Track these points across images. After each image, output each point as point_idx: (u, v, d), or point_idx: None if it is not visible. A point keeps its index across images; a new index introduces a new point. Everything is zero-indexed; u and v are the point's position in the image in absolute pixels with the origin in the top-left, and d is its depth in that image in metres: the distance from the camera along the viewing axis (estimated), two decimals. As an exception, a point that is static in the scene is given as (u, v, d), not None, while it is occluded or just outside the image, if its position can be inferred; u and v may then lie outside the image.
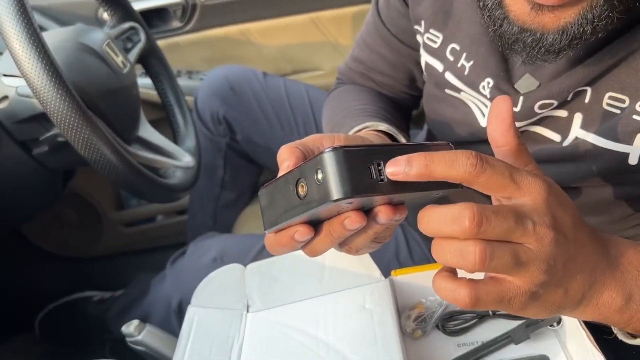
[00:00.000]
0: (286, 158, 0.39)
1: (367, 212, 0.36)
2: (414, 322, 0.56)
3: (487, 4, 0.46)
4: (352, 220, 0.35)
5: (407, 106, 0.77)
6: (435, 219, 0.32)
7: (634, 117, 0.49)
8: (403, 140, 0.58)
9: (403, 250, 0.79)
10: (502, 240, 0.32)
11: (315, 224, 0.37)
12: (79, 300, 1.20)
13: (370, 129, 0.60)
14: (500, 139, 0.36)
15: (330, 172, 0.32)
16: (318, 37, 1.24)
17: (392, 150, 0.34)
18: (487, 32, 0.56)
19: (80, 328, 1.16)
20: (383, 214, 0.35)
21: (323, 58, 1.24)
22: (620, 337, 0.43)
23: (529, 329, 0.53)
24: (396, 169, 0.32)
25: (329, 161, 0.32)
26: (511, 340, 0.53)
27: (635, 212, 0.58)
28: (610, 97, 0.50)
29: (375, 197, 0.33)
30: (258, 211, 0.39)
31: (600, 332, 0.47)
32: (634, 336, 0.42)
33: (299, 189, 0.34)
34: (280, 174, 0.38)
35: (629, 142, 0.50)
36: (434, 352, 0.54)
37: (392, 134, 0.58)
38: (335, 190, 0.32)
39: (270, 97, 1.01)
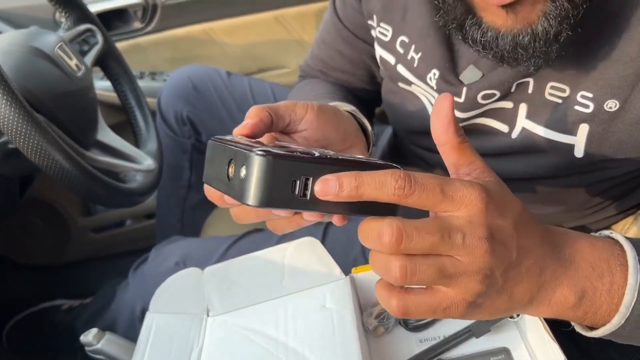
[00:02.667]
0: (251, 116, 0.39)
1: None
2: (376, 320, 0.55)
3: (476, 37, 0.45)
4: (280, 210, 0.35)
5: (368, 102, 0.76)
6: (364, 233, 0.33)
7: (576, 107, 0.49)
8: (366, 122, 0.57)
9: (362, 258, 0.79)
10: (428, 254, 0.32)
11: None
12: (47, 309, 1.18)
13: None
14: (442, 137, 0.36)
15: (252, 176, 0.31)
16: (282, 35, 1.23)
17: (327, 166, 0.33)
18: (434, 24, 0.56)
19: (49, 337, 1.14)
20: (309, 215, 0.35)
21: (288, 56, 1.23)
22: (578, 329, 0.42)
23: (490, 322, 0.52)
24: (326, 188, 0.31)
25: (256, 164, 0.31)
26: (472, 334, 0.53)
27: (590, 199, 0.58)
28: (552, 87, 0.51)
29: (292, 210, 0.33)
30: (227, 214, 0.39)
31: (557, 325, 0.47)
32: (591, 328, 0.41)
33: (229, 169, 0.34)
34: (235, 131, 0.38)
35: (573, 132, 0.50)
36: (397, 348, 0.54)
37: (356, 115, 0.56)
38: (251, 195, 0.31)
39: (234, 96, 1.00)
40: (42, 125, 0.58)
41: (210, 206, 1.07)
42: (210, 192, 0.39)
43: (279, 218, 0.38)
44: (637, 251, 0.38)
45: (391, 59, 0.63)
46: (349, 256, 0.75)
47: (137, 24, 1.17)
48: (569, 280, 0.37)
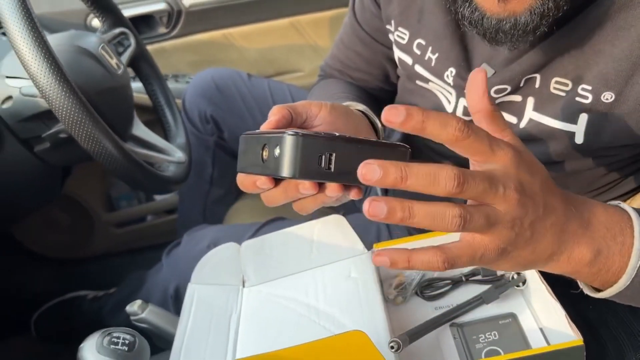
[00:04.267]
0: (273, 114, 0.45)
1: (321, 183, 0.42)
2: (395, 290, 0.62)
3: (465, 14, 0.52)
4: (305, 187, 0.41)
5: (383, 100, 0.83)
6: (419, 179, 0.35)
7: (577, 98, 0.55)
8: (376, 120, 0.64)
9: (384, 234, 0.85)
10: (477, 204, 0.37)
11: (279, 179, 0.43)
12: (73, 299, 1.23)
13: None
14: (477, 105, 0.41)
15: (285, 152, 0.38)
16: (298, 40, 1.30)
17: (345, 144, 0.39)
18: (448, 27, 0.62)
19: (75, 326, 1.19)
20: (331, 190, 0.41)
21: (303, 60, 1.30)
22: (586, 291, 0.48)
23: (498, 290, 0.59)
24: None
25: (287, 143, 0.38)
26: (483, 301, 0.59)
27: (592, 183, 0.64)
28: (556, 82, 0.57)
29: (318, 181, 0.39)
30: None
31: (567, 287, 0.53)
32: (598, 290, 0.47)
33: (263, 153, 0.40)
34: (262, 127, 0.44)
35: (574, 121, 0.57)
36: (414, 315, 0.59)
37: (368, 114, 0.63)
38: (285, 168, 0.38)
39: (255, 96, 1.07)
40: (95, 115, 0.65)
41: (231, 200, 1.13)
42: (244, 182, 0.44)
43: (305, 196, 0.43)
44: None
45: (409, 60, 0.69)
46: (365, 241, 0.82)
47: (162, 29, 1.24)
48: (587, 239, 0.42)
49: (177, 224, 1.15)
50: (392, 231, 0.83)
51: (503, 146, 0.38)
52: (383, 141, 0.43)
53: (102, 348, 0.50)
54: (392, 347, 0.48)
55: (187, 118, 1.07)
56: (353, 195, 0.43)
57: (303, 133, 0.39)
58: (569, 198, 0.43)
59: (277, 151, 0.38)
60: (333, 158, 0.39)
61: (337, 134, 0.41)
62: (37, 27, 0.62)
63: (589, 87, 0.55)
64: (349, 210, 0.89)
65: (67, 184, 1.18)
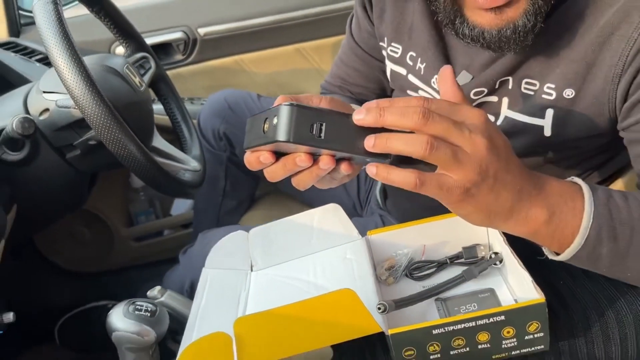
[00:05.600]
0: (278, 101, 0.53)
1: (316, 158, 0.48)
2: (387, 272, 0.69)
3: (465, 32, 0.59)
4: (301, 159, 0.47)
5: None
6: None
7: (543, 96, 0.64)
8: None
9: None
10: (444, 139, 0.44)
11: (279, 155, 0.50)
12: (93, 308, 1.31)
13: None
14: (448, 93, 0.49)
15: (282, 120, 0.45)
16: (303, 65, 1.40)
17: (335, 116, 0.46)
18: (433, 40, 0.71)
19: (95, 333, 1.26)
20: (324, 162, 0.48)
21: (308, 82, 1.40)
22: (549, 256, 0.55)
23: (477, 269, 0.65)
24: (358, 116, 0.45)
25: (283, 112, 0.45)
26: (464, 278, 0.66)
27: (564, 172, 0.71)
28: (526, 82, 0.65)
29: (311, 147, 0.46)
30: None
31: (535, 254, 0.60)
32: (557, 254, 0.54)
33: (265, 125, 0.47)
34: None
35: (542, 116, 0.64)
36: (404, 293, 0.66)
37: None
38: (281, 133, 0.45)
39: (264, 114, 1.16)
40: (121, 122, 0.74)
41: (242, 211, 1.21)
42: (249, 159, 0.51)
43: (301, 169, 0.49)
44: (592, 191, 0.52)
45: (403, 71, 0.78)
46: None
47: (178, 56, 1.35)
48: (541, 201, 0.50)
49: (192, 235, 1.23)
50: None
51: (472, 107, 0.46)
52: None
53: (128, 313, 0.58)
54: (379, 309, 0.55)
55: (202, 135, 1.17)
56: (343, 168, 0.50)
57: (297, 104, 0.45)
58: (525, 168, 0.51)
59: (274, 120, 0.46)
60: (323, 127, 0.46)
61: (329, 108, 0.49)
62: (75, 50, 0.71)
63: (553, 86, 0.63)
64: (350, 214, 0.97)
65: (89, 201, 1.27)
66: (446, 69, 0.50)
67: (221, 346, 0.53)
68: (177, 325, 0.75)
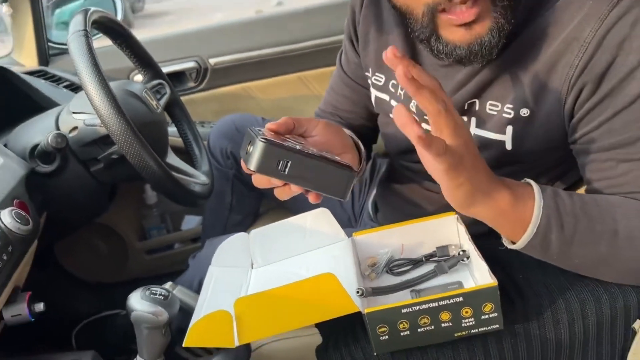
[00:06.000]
0: (280, 121, 0.64)
1: None
2: (370, 268, 0.78)
3: (440, 48, 0.69)
4: (273, 181, 0.60)
5: (367, 135, 1.01)
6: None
7: (503, 115, 0.74)
8: (359, 143, 0.83)
9: None
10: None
11: None
12: (108, 316, 1.41)
13: None
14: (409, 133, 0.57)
15: (254, 152, 0.55)
16: (304, 91, 1.53)
17: (300, 156, 0.56)
18: None
19: (110, 339, 1.36)
20: (295, 188, 0.61)
21: (309, 108, 1.51)
22: (508, 245, 0.66)
23: (448, 264, 0.75)
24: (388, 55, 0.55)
25: (256, 144, 0.55)
26: (436, 273, 0.75)
27: None
28: (490, 104, 0.75)
29: (277, 179, 0.57)
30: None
31: (496, 245, 0.70)
32: (514, 243, 0.65)
33: (248, 147, 0.58)
34: (266, 125, 0.63)
35: (503, 132, 0.75)
36: (384, 286, 0.76)
37: (352, 137, 0.83)
38: (251, 163, 0.55)
39: (267, 136, 1.27)
40: (141, 138, 0.85)
41: (248, 224, 1.32)
42: (243, 166, 0.62)
43: (278, 187, 0.61)
44: (541, 188, 0.63)
45: (386, 97, 0.89)
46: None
47: (191, 83, 1.48)
48: (506, 188, 0.61)
49: (200, 244, 1.33)
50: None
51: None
52: (336, 160, 0.60)
53: (145, 297, 0.68)
54: (357, 292, 0.65)
55: (211, 154, 1.28)
56: (311, 199, 0.61)
57: (270, 141, 0.54)
58: (484, 162, 0.62)
59: (250, 148, 0.56)
60: (288, 164, 0.56)
61: (299, 147, 0.58)
62: (103, 77, 0.83)
63: (511, 106, 0.73)
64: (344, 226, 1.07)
65: (107, 216, 1.38)
66: (398, 108, 0.56)
67: (223, 322, 0.63)
68: (186, 323, 0.85)
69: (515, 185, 0.64)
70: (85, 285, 1.50)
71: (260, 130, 0.62)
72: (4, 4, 0.73)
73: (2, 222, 0.73)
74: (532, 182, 0.65)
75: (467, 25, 0.65)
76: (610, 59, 0.64)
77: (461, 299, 0.63)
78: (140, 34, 1.10)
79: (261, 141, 0.55)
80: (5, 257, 0.70)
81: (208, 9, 8.34)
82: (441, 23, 0.66)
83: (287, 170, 0.55)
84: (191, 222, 1.55)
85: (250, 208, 1.32)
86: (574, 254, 0.65)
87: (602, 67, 0.65)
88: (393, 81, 0.86)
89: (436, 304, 0.63)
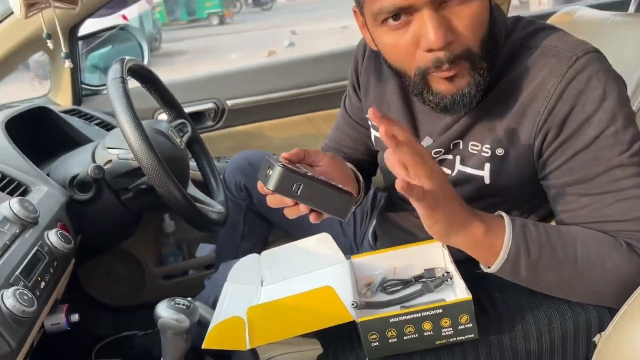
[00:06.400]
0: (293, 151, 0.76)
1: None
2: (366, 287, 0.89)
3: (430, 99, 0.81)
4: (285, 201, 0.72)
5: (366, 169, 1.14)
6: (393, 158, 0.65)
7: (482, 153, 0.85)
8: (359, 175, 0.96)
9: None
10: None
11: None
12: (127, 336, 1.51)
13: None
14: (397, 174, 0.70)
15: (273, 175, 0.67)
16: (312, 131, 1.66)
17: (311, 181, 0.68)
18: (404, 114, 0.95)
19: (129, 358, 1.46)
20: (302, 207, 0.72)
21: (317, 146, 1.62)
22: (484, 269, 0.76)
23: (433, 284, 0.85)
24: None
25: (275, 169, 0.67)
26: (424, 292, 0.86)
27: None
28: (472, 144, 0.87)
29: (289, 198, 0.69)
30: None
31: (474, 268, 0.80)
32: (489, 267, 0.75)
33: (267, 171, 0.70)
34: (282, 155, 0.75)
35: (482, 168, 0.86)
36: (378, 301, 0.87)
37: (353, 169, 0.95)
38: (270, 184, 0.67)
39: (278, 170, 1.40)
40: (168, 171, 0.98)
41: (258, 251, 1.41)
42: (260, 186, 0.74)
43: (288, 206, 0.73)
44: (511, 219, 0.74)
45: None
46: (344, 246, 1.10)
47: (210, 122, 1.62)
48: (479, 220, 0.72)
49: (215, 268, 1.44)
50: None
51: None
52: (339, 186, 0.72)
53: (170, 306, 0.79)
54: (352, 304, 0.76)
55: (226, 186, 1.40)
56: (311, 218, 0.73)
57: (285, 166, 0.67)
58: (460, 199, 0.72)
59: (269, 172, 0.68)
60: (301, 187, 0.68)
61: (310, 174, 0.70)
62: (137, 117, 0.96)
63: (489, 146, 0.85)
64: (347, 252, 1.18)
65: (128, 242, 1.50)
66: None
67: (237, 327, 0.74)
68: (203, 333, 0.95)
69: (489, 218, 0.74)
70: (105, 308, 1.61)
71: (276, 158, 0.74)
72: (66, 60, 0.86)
73: (50, 241, 0.85)
74: (503, 214, 0.76)
75: (450, 79, 0.77)
76: (569, 108, 0.76)
77: (441, 310, 0.73)
78: (157, 72, 1.23)
79: (279, 166, 0.67)
80: (52, 271, 0.82)
81: (223, 50, 8.65)
82: (431, 79, 0.78)
83: (299, 192, 0.67)
84: (205, 250, 1.67)
85: (260, 237, 1.43)
86: (541, 277, 0.75)
87: (563, 115, 0.76)
88: None
89: (419, 315, 0.73)
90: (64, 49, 0.81)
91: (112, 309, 1.62)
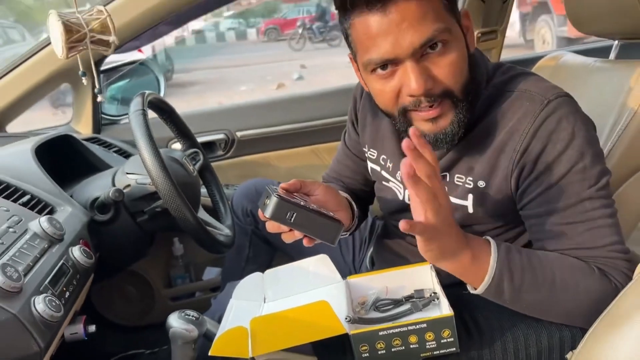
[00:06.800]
0: (290, 182, 0.85)
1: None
2: (360, 305, 0.97)
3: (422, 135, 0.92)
4: (281, 227, 0.81)
5: (363, 198, 1.23)
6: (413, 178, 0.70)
7: (466, 185, 0.94)
8: (353, 204, 1.05)
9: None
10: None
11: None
12: (135, 354, 1.58)
13: None
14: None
15: (270, 204, 0.76)
16: (317, 162, 1.76)
17: (304, 211, 0.76)
18: (397, 147, 1.04)
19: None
20: (296, 234, 0.81)
21: (320, 176, 1.74)
22: (471, 290, 0.84)
23: (422, 303, 0.93)
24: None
25: (272, 199, 0.76)
26: (413, 311, 0.93)
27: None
28: (457, 177, 0.96)
29: (284, 225, 0.78)
30: None
31: (461, 291, 0.88)
32: (475, 289, 0.83)
33: (265, 200, 0.79)
34: (280, 185, 0.85)
35: (466, 199, 0.95)
36: (371, 317, 0.94)
37: (348, 198, 1.04)
38: (267, 212, 0.76)
39: (282, 198, 1.49)
40: (182, 195, 1.07)
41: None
42: (260, 214, 0.83)
43: (284, 232, 0.82)
44: (497, 245, 0.81)
45: (378, 168, 1.11)
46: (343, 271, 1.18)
47: (220, 152, 1.72)
48: (468, 249, 0.79)
49: (221, 288, 1.52)
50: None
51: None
52: (329, 215, 0.81)
53: (180, 317, 0.87)
54: (346, 318, 0.84)
55: (233, 212, 1.49)
56: (305, 242, 0.81)
57: (282, 197, 0.76)
58: (458, 227, 0.80)
59: (267, 201, 0.77)
60: (294, 215, 0.76)
61: (303, 203, 0.79)
62: (155, 146, 1.06)
63: (472, 179, 0.94)
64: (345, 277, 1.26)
65: (139, 264, 1.59)
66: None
67: (241, 336, 0.82)
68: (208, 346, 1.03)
69: (477, 244, 0.82)
70: (114, 327, 1.68)
71: (275, 189, 0.83)
72: (100, 95, 0.97)
73: (73, 256, 0.94)
74: (491, 240, 0.83)
75: (433, 119, 0.86)
76: (542, 146, 0.84)
77: (425, 325, 0.81)
78: (169, 101, 1.33)
79: (275, 197, 0.76)
80: (74, 283, 0.91)
81: (233, 82, 8.85)
82: (413, 117, 0.87)
83: (292, 219, 0.76)
84: (211, 273, 1.75)
85: (264, 260, 1.51)
86: (522, 299, 0.83)
87: (536, 152, 0.85)
88: (383, 156, 1.08)
89: (406, 329, 0.81)
90: (97, 85, 0.91)
91: (121, 328, 1.69)
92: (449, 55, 0.81)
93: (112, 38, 0.89)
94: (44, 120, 2.05)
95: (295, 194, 0.89)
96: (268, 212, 0.76)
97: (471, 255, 0.80)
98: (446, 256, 0.79)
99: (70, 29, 0.85)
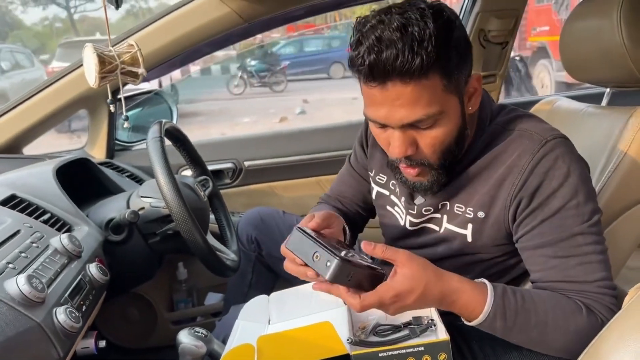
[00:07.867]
0: (317, 222, 0.92)
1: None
2: (360, 330, 1.01)
3: (402, 179, 0.99)
4: (287, 268, 0.88)
5: (359, 219, 1.28)
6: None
7: (466, 215, 1.00)
8: (347, 227, 1.10)
9: None
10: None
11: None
12: (135, 375, 1.61)
13: None
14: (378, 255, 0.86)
15: (332, 267, 0.77)
16: (321, 192, 1.80)
17: (360, 269, 0.81)
18: None
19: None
20: (310, 274, 0.86)
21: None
22: (466, 322, 0.89)
23: (419, 329, 0.98)
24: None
25: (335, 264, 0.78)
26: (411, 336, 0.98)
27: (483, 272, 1.05)
28: (457, 206, 1.01)
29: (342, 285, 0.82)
30: None
31: (457, 320, 0.93)
32: (469, 321, 0.88)
33: (314, 256, 0.82)
34: (311, 222, 0.92)
35: (465, 228, 1.00)
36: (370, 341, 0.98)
37: (345, 227, 1.10)
38: (328, 275, 0.78)
39: (287, 226, 1.53)
40: (194, 219, 1.13)
41: (263, 300, 1.55)
42: (286, 253, 0.89)
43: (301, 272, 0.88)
44: (493, 288, 0.86)
45: (387, 192, 1.16)
46: None
47: (227, 180, 1.79)
48: (460, 293, 0.85)
49: (224, 312, 1.56)
50: None
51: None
52: (377, 268, 0.85)
53: (190, 333, 0.92)
54: (348, 340, 0.88)
55: (238, 238, 1.54)
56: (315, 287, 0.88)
57: (345, 259, 0.78)
58: (442, 276, 0.86)
59: (327, 263, 0.80)
60: (352, 275, 0.81)
61: (360, 261, 0.83)
62: (171, 171, 1.12)
63: (471, 209, 0.99)
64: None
65: (143, 287, 1.63)
66: (365, 245, 0.87)
67: (248, 354, 0.87)
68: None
69: (472, 289, 0.86)
70: (116, 349, 1.71)
71: (307, 233, 0.87)
72: (125, 122, 1.04)
73: (90, 272, 0.99)
74: (487, 283, 0.88)
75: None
76: (539, 182, 0.90)
77: (422, 348, 0.86)
78: (191, 135, 1.40)
79: (338, 259, 0.77)
80: (90, 297, 0.96)
81: (236, 113, 8.99)
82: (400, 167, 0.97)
83: (350, 278, 0.80)
84: (213, 299, 1.78)
85: (266, 286, 1.55)
86: (514, 337, 0.88)
87: (533, 187, 0.91)
88: (393, 181, 1.14)
89: (404, 351, 0.86)
90: (124, 113, 0.98)
91: (122, 350, 1.72)
92: (435, 130, 0.89)
93: (140, 70, 0.97)
94: (51, 144, 2.12)
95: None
96: (329, 275, 0.77)
97: (465, 298, 0.85)
98: (443, 306, 0.86)
99: (103, 61, 0.92)
